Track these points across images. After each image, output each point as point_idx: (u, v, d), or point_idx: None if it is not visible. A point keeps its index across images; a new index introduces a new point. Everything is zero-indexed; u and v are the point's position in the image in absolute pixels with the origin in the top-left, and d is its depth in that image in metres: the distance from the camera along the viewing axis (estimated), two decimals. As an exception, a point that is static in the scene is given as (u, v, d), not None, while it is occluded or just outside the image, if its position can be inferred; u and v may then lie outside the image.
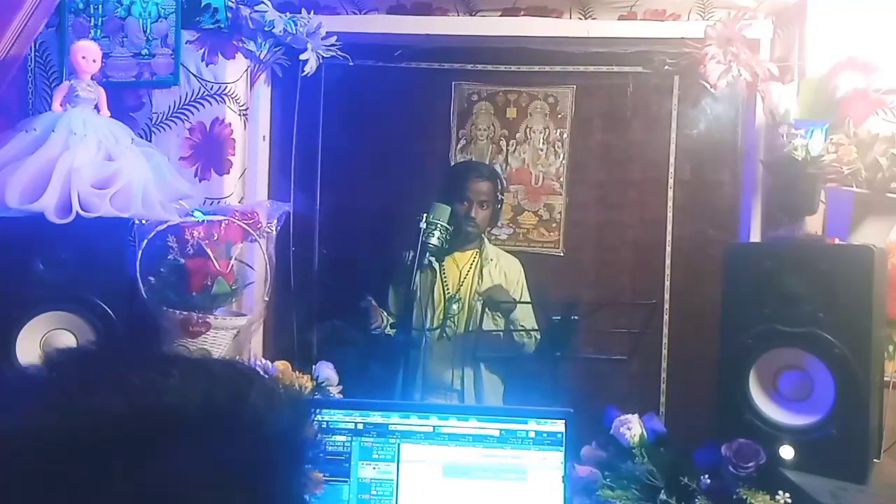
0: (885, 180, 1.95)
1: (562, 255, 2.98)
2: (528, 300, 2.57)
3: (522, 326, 2.49)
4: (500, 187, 2.64)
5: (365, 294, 2.59)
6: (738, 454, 1.75)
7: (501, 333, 2.52)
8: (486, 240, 2.63)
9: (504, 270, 2.58)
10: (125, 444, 0.57)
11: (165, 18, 2.42)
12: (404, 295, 2.51)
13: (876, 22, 2.17)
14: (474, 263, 2.56)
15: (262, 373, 0.67)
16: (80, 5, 2.41)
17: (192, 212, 2.17)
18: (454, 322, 2.53)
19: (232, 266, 2.16)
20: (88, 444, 0.56)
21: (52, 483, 0.55)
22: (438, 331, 2.50)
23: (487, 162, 2.96)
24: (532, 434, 1.60)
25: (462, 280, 2.54)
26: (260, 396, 0.63)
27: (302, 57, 2.45)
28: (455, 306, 2.51)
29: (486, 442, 1.60)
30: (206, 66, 2.44)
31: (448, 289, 2.50)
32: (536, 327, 2.48)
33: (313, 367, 2.13)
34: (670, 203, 2.87)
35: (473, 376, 2.54)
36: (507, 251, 2.72)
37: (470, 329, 2.52)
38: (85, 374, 0.61)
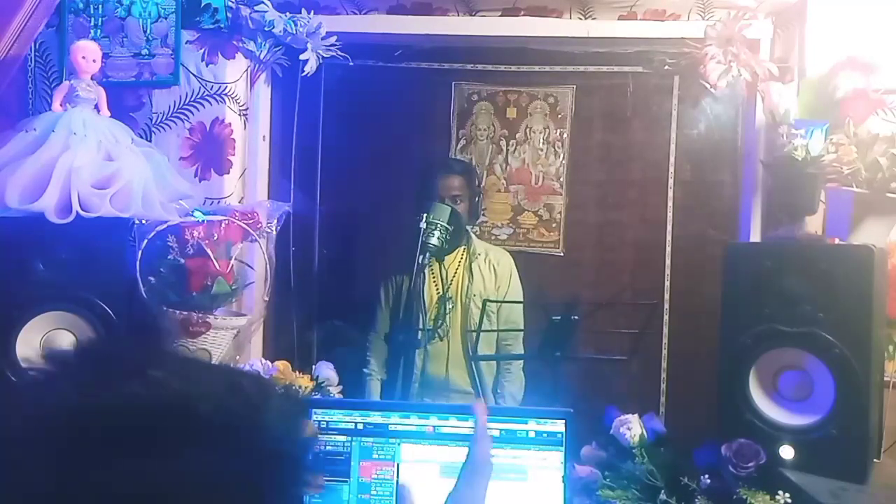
0: (885, 180, 1.95)
1: (562, 255, 2.98)
2: (520, 296, 2.56)
3: (513, 324, 2.48)
4: (474, 181, 2.61)
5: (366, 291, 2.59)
6: (738, 454, 1.75)
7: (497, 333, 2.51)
8: (472, 235, 2.60)
9: (493, 265, 2.55)
10: (139, 434, 0.58)
11: (165, 18, 2.42)
12: (396, 296, 2.51)
13: (876, 22, 2.17)
14: (463, 261, 2.54)
15: (277, 387, 0.69)
16: (80, 5, 2.41)
17: (192, 212, 2.17)
18: (447, 322, 2.50)
19: (232, 266, 2.17)
20: (106, 428, 0.58)
21: (67, 461, 0.57)
22: (432, 331, 2.48)
23: (487, 162, 2.96)
24: (532, 434, 1.59)
25: (452, 279, 2.51)
26: (274, 409, 0.65)
27: (302, 57, 2.45)
28: (447, 305, 2.49)
29: (486, 442, 1.60)
30: (206, 66, 2.44)
31: (439, 289, 2.49)
32: (521, 327, 2.47)
33: (313, 367, 2.13)
34: (670, 203, 2.87)
35: (495, 376, 2.55)
36: (507, 251, 2.70)
37: (469, 329, 2.50)
38: (109, 364, 0.64)
